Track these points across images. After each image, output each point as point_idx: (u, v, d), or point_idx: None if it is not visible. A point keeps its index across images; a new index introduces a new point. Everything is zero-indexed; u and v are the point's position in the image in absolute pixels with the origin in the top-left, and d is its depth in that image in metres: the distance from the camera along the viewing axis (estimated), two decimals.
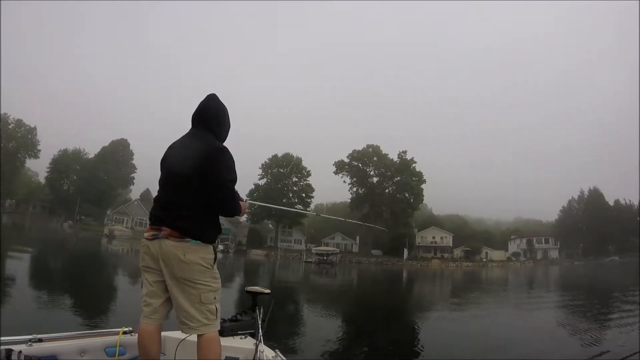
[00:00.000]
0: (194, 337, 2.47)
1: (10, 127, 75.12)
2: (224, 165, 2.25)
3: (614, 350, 8.30)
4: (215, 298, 2.28)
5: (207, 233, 2.28)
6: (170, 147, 2.46)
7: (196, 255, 2.21)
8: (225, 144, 2.46)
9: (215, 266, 2.32)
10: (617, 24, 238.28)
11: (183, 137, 2.46)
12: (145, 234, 2.33)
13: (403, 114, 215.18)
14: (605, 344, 9.02)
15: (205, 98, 2.46)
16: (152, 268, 2.30)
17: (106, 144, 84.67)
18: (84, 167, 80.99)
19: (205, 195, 2.22)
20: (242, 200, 2.55)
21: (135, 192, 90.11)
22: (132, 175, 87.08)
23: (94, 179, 77.14)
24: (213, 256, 2.31)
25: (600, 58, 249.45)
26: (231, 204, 2.32)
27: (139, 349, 2.33)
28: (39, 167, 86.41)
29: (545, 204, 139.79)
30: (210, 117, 2.43)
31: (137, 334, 2.49)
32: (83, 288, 12.78)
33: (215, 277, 2.31)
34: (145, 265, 2.33)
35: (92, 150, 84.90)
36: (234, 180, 2.28)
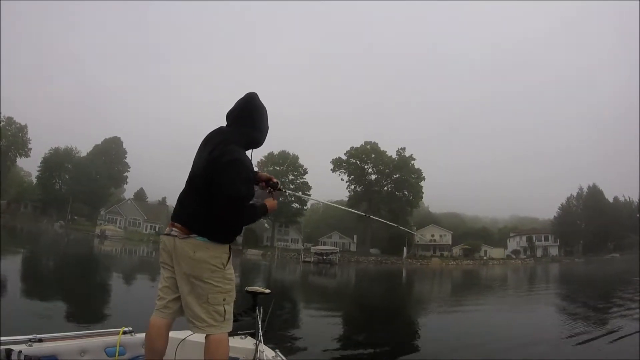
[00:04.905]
0: (194, 338, 2.62)
1: (0, 124, 73.33)
2: (228, 178, 2.12)
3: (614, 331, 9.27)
4: (225, 300, 2.23)
5: (217, 231, 2.21)
6: (203, 139, 2.41)
7: (207, 253, 2.18)
8: None
9: (229, 267, 2.27)
10: (617, 24, 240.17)
11: (215, 130, 2.42)
12: (166, 230, 2.32)
13: (401, 114, 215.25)
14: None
15: (243, 96, 2.40)
16: (168, 264, 2.31)
17: (98, 142, 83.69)
18: (76, 165, 79.13)
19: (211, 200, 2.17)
20: (269, 198, 2.53)
21: (128, 192, 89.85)
22: (125, 174, 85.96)
23: (86, 178, 75.50)
24: (227, 256, 2.26)
25: (600, 59, 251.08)
26: (235, 220, 2.25)
27: (145, 341, 2.32)
28: (29, 166, 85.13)
29: (541, 201, 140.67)
30: (236, 116, 2.37)
31: (137, 334, 2.74)
32: (77, 289, 12.46)
33: (227, 278, 2.26)
34: (162, 261, 2.35)
35: (84, 148, 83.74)
36: (239, 196, 2.13)
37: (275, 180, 2.62)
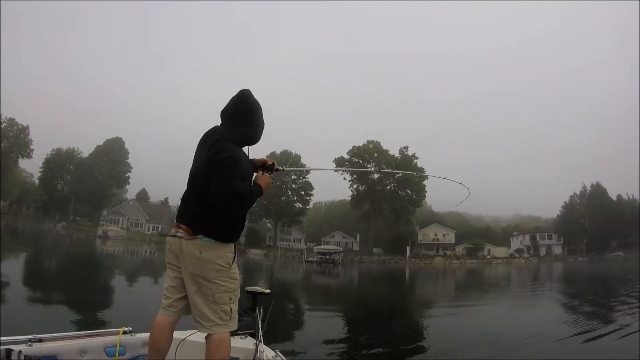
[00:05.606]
0: (194, 338, 2.67)
1: (2, 126, 73.29)
2: (224, 175, 2.11)
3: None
4: (230, 299, 2.26)
5: (221, 230, 2.22)
6: (200, 139, 2.41)
7: (212, 253, 2.19)
8: None
9: (234, 266, 2.30)
10: (617, 24, 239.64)
11: (211, 129, 2.41)
12: (171, 231, 2.34)
13: (401, 114, 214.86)
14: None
15: (236, 93, 2.38)
16: (174, 264, 2.33)
17: (100, 142, 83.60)
18: (78, 166, 79.04)
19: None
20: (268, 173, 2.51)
21: (131, 192, 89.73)
22: (127, 175, 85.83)
23: (88, 179, 75.47)
24: (232, 255, 2.28)
25: (600, 59, 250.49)
26: (234, 216, 2.25)
27: (149, 339, 2.33)
28: (31, 167, 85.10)
29: (543, 201, 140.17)
30: (230, 113, 2.36)
31: (137, 334, 2.75)
32: (78, 289, 12.43)
33: (233, 277, 2.28)
34: (168, 262, 2.37)
35: (86, 149, 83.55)
36: (235, 192, 2.09)
37: (270, 161, 2.57)
